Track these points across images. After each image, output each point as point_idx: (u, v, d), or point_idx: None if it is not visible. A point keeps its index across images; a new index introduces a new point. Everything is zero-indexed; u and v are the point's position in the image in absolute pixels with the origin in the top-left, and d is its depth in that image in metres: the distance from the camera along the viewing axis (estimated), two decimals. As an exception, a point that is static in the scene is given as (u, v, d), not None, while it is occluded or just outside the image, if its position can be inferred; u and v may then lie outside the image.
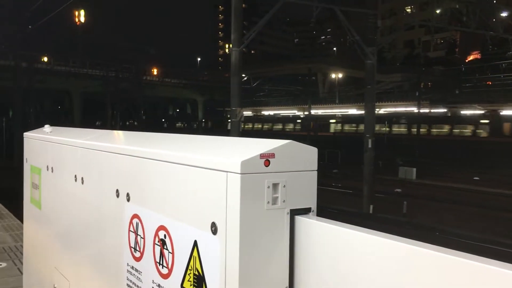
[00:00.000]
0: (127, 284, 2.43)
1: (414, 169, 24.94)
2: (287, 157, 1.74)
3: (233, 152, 1.80)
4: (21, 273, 4.80)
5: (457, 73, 54.42)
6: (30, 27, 26.48)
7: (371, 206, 16.53)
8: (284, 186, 1.73)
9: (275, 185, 1.71)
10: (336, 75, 55.70)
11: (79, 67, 53.24)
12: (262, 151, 1.68)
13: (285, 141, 1.76)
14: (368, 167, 17.24)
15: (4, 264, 6.06)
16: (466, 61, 62.85)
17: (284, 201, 1.73)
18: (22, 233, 5.01)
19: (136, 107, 53.66)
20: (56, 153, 3.66)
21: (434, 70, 57.17)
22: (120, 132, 3.79)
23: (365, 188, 17.14)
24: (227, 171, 1.68)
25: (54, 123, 4.94)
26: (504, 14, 23.53)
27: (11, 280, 5.32)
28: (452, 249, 1.31)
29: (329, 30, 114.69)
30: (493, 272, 1.18)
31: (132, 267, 2.38)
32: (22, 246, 5.06)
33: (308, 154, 1.82)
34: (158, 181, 2.18)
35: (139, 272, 2.31)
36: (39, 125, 4.57)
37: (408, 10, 73.39)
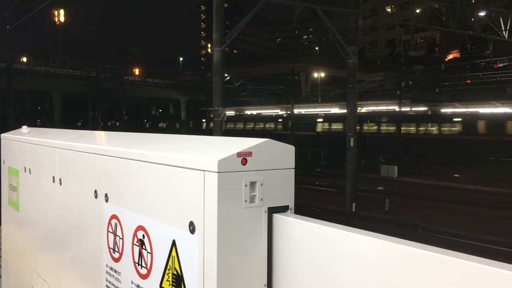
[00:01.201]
0: (106, 285, 2.41)
1: (396, 167, 25.21)
2: (265, 155, 1.75)
3: (210, 151, 1.81)
4: (0, 276, 4.72)
5: (437, 72, 55.14)
6: (8, 27, 26.03)
7: (354, 204, 16.66)
8: (262, 184, 1.74)
9: (252, 184, 1.71)
10: (319, 75, 55.98)
11: (60, 67, 52.53)
12: (239, 150, 1.68)
13: (262, 139, 1.77)
14: (351, 165, 17.38)
15: (-18, 268, 5.95)
16: (446, 60, 63.73)
17: (261, 199, 1.74)
18: (0, 236, 4.93)
19: (118, 107, 53.16)
20: (34, 154, 3.61)
21: (415, 69, 57.82)
22: (98, 133, 3.76)
23: (348, 187, 17.27)
24: (205, 170, 1.68)
25: (34, 124, 4.87)
26: (482, 14, 23.92)
27: (-11, 284, 5.23)
28: (428, 245, 1.34)
29: (311, 29, 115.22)
30: (472, 268, 1.20)
31: (111, 268, 2.36)
32: (0, 249, 4.98)
33: (286, 152, 1.83)
34: (136, 181, 2.17)
35: (118, 273, 2.30)
36: (19, 126, 4.50)
37: (389, 10, 74.13)
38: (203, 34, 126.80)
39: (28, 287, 3.61)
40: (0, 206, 4.43)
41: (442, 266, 1.25)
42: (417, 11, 28.36)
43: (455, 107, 40.64)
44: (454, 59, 62.52)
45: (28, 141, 3.79)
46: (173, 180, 1.87)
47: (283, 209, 1.80)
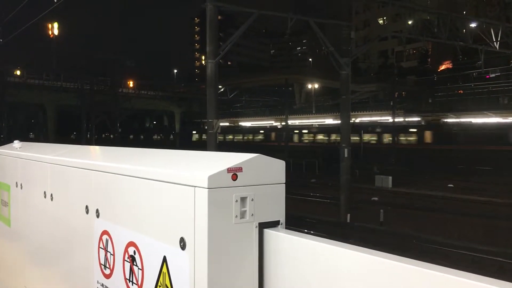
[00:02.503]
0: (97, 302, 2.39)
1: (390, 178, 25.24)
2: (255, 170, 1.75)
3: (200, 167, 1.81)
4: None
5: (430, 83, 55.61)
6: (1, 40, 26.03)
7: (348, 215, 16.64)
8: (252, 199, 1.74)
9: (243, 199, 1.71)
10: (312, 86, 56.23)
11: (53, 80, 52.47)
12: (229, 165, 1.68)
13: (253, 154, 1.77)
14: (345, 176, 17.39)
15: (-27, 284, 5.88)
16: (438, 70, 64.30)
17: (252, 214, 1.74)
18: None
19: (112, 120, 53.03)
20: (25, 169, 3.59)
21: (408, 80, 58.28)
22: (90, 147, 3.75)
23: (342, 197, 17.26)
24: (195, 186, 1.68)
25: (27, 137, 4.85)
26: (473, 25, 24.18)
27: (-20, 301, 5.16)
28: (416, 260, 1.35)
29: (304, 41, 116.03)
30: (463, 284, 1.20)
31: (102, 285, 2.34)
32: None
33: (276, 167, 1.83)
34: (127, 197, 2.16)
35: (109, 290, 2.28)
36: (12, 140, 4.48)
37: (381, 22, 74.92)
38: (197, 46, 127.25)
39: (19, 303, 3.57)
40: None
41: (433, 281, 1.25)
42: (409, 22, 28.65)
43: (448, 117, 40.91)
44: (446, 69, 63.07)
45: (20, 156, 3.77)
46: (164, 196, 1.87)
47: (274, 224, 1.80)
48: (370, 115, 43.89)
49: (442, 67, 65.31)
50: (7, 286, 3.99)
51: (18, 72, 49.09)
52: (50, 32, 40.13)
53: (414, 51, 70.75)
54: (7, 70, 44.68)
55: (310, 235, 1.65)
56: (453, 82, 52.61)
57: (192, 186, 1.68)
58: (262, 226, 1.76)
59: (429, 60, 69.62)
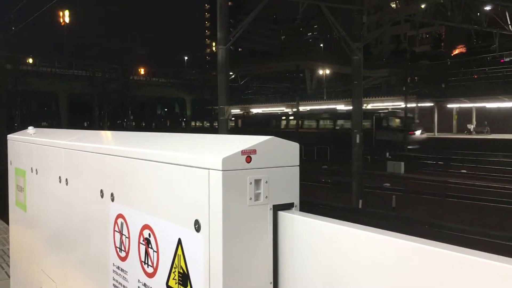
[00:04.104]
0: (113, 284, 2.42)
1: (402, 163, 25.12)
2: (269, 153, 1.75)
3: (214, 150, 1.81)
4: (9, 276, 4.75)
5: (443, 67, 54.86)
6: (13, 28, 26.16)
7: (360, 201, 16.63)
8: (266, 182, 1.73)
9: (257, 181, 1.71)
10: (324, 72, 55.85)
11: (66, 68, 52.79)
12: (243, 148, 1.68)
13: (266, 137, 1.76)
14: (356, 162, 17.34)
15: (-9, 268, 6.00)
16: (452, 55, 63.39)
17: (266, 197, 1.74)
18: (8, 236, 4.96)
19: (124, 107, 53.33)
20: (40, 155, 3.63)
21: (420, 64, 57.59)
22: (104, 132, 3.77)
23: (354, 183, 17.23)
24: (209, 168, 1.68)
25: (40, 126, 4.91)
26: (487, 8, 23.75)
27: (-2, 284, 5.27)
28: (435, 241, 1.33)
29: (315, 27, 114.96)
30: (479, 264, 1.19)
31: (118, 267, 2.37)
32: (9, 249, 5.01)
33: (290, 150, 1.83)
34: (142, 180, 2.17)
35: (125, 272, 2.30)
36: (25, 127, 4.53)
37: (394, 6, 73.88)
38: (207, 32, 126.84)
39: (36, 286, 3.63)
40: (8, 207, 4.46)
41: (448, 262, 1.24)
42: (422, 6, 28.19)
43: (462, 102, 40.43)
44: (460, 54, 62.18)
45: (34, 142, 3.81)
46: (178, 179, 1.88)
47: (288, 207, 1.80)
48: (382, 101, 43.48)
49: (456, 52, 64.38)
50: (25, 270, 4.06)
51: (31, 60, 49.43)
52: (61, 20, 40.21)
53: (427, 35, 69.80)
54: (20, 59, 45.00)
55: (325, 217, 1.64)
56: (467, 67, 51.83)
57: (206, 168, 1.69)
58: (277, 208, 1.76)
59: (442, 44, 68.65)
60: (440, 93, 43.15)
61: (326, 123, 39.94)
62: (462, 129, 42.54)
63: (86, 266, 2.82)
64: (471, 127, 41.61)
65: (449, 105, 41.91)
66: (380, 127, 34.02)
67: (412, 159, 27.77)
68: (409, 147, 32.63)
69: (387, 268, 1.38)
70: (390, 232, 1.42)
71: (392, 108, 40.38)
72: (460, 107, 42.44)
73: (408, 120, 34.82)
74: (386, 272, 1.38)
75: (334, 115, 40.23)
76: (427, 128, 39.66)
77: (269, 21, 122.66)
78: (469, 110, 42.26)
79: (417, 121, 40.13)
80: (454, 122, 44.00)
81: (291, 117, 44.46)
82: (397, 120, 34.84)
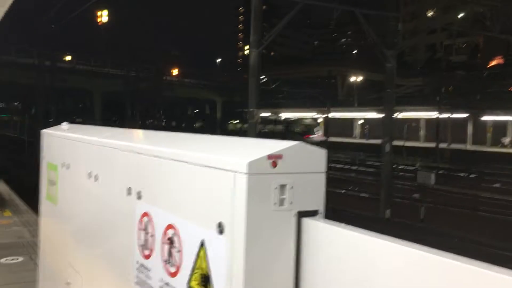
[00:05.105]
0: (136, 282, 2.44)
1: (433, 174, 24.60)
2: (295, 158, 1.74)
3: (241, 153, 1.81)
4: (37, 267, 4.87)
5: (479, 78, 53.52)
6: (52, 26, 26.95)
7: (388, 211, 16.37)
8: (292, 187, 1.72)
9: (282, 187, 1.70)
10: (356, 78, 55.32)
11: (101, 67, 53.98)
12: (269, 152, 1.68)
13: (293, 142, 1.75)
14: (385, 171, 17.08)
15: (21, 259, 6.18)
16: (489, 66, 61.79)
17: (291, 202, 1.73)
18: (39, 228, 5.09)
19: (155, 107, 54.11)
20: (72, 150, 3.71)
21: (456, 74, 56.31)
22: (134, 131, 3.83)
23: (382, 192, 16.98)
24: (235, 171, 1.68)
25: (74, 122, 5.02)
26: (528, 19, 23.05)
27: (27, 275, 5.41)
28: (462, 256, 1.29)
29: (349, 33, 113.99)
30: (497, 279, 1.16)
31: (142, 265, 2.39)
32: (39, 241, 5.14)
33: (317, 156, 1.81)
34: (168, 180, 2.19)
35: (148, 270, 2.33)
36: (60, 123, 4.64)
37: (430, 14, 72.58)
38: (240, 36, 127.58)
39: (63, 279, 3.71)
40: (39, 199, 4.57)
41: (474, 277, 1.20)
42: (460, 15, 27.63)
43: (497, 114, 39.34)
44: (497, 65, 60.54)
45: (67, 137, 3.90)
46: (204, 180, 1.88)
47: (312, 214, 1.78)
48: (415, 110, 42.70)
49: (493, 62, 62.74)
50: (53, 262, 4.16)
51: (68, 58, 50.74)
52: (98, 20, 41.18)
53: (464, 45, 68.31)
54: (58, 56, 46.28)
55: (351, 226, 1.62)
56: (504, 79, 50.40)
57: (232, 171, 1.69)
58: (301, 215, 1.75)
59: (479, 54, 67.02)
60: (475, 105, 42.10)
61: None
62: (497, 142, 41.40)
63: (110, 262, 2.86)
64: (506, 140, 40.43)
65: (483, 118, 40.79)
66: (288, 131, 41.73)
67: None
68: None
69: (417, 283, 1.34)
70: (420, 245, 1.38)
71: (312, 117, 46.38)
72: (494, 120, 41.26)
73: (312, 127, 41.50)
74: (411, 286, 1.35)
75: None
76: (460, 140, 38.83)
77: (302, 26, 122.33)
78: (504, 124, 41.07)
79: (318, 127, 48.29)
80: (489, 135, 42.84)
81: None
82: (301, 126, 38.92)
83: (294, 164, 1.73)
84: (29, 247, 6.65)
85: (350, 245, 1.56)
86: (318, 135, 38.49)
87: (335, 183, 20.55)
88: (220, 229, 1.74)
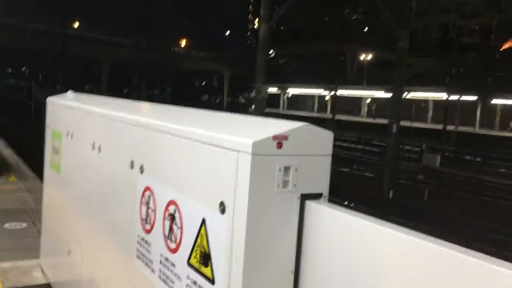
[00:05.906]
0: (137, 256, 2.45)
1: (438, 157, 24.49)
2: (301, 140, 1.70)
3: (246, 132, 1.77)
4: (40, 234, 4.91)
5: (491, 61, 52.72)
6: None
7: (391, 192, 16.37)
8: (296, 170, 1.69)
9: (286, 168, 1.67)
10: (366, 56, 54.68)
11: (110, 35, 53.62)
12: (275, 133, 1.64)
13: (300, 123, 1.71)
14: (390, 152, 17.02)
15: (24, 225, 6.23)
16: (501, 49, 60.76)
17: (295, 185, 1.69)
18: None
19: (163, 77, 53.94)
20: (77, 120, 3.68)
21: (467, 56, 55.50)
22: (139, 103, 3.79)
23: (386, 173, 16.95)
24: (239, 151, 1.64)
25: (83, 89, 4.97)
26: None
27: (30, 241, 5.47)
28: (463, 247, 1.28)
29: (361, 10, 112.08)
30: (493, 271, 1.15)
31: (142, 239, 2.39)
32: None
33: (323, 138, 1.77)
34: (172, 156, 2.16)
35: (149, 244, 2.32)
36: (67, 90, 4.59)
37: (445, -7, 71.08)
38: (251, 8, 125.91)
39: (64, 247, 3.74)
40: (44, 167, 4.58)
41: (471, 268, 1.19)
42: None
43: (507, 98, 38.90)
44: (510, 48, 59.51)
45: (72, 107, 3.87)
46: (207, 158, 1.85)
47: (316, 197, 1.75)
48: (424, 91, 42.31)
49: (507, 45, 61.67)
50: (54, 230, 4.18)
51: (77, 25, 50.39)
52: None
53: (478, 26, 67.05)
54: (67, 23, 45.96)
55: (354, 212, 1.59)
56: (517, 62, 49.59)
57: (236, 150, 1.65)
58: (304, 197, 1.72)
59: (492, 36, 65.86)
60: (485, 88, 41.62)
61: None
62: (505, 127, 41.08)
63: (111, 234, 2.87)
64: None
65: (493, 101, 40.38)
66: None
67: None
68: None
69: (412, 268, 1.33)
70: (419, 233, 1.37)
71: None
72: (504, 104, 40.86)
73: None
74: (410, 272, 1.34)
75: None
76: (469, 123, 38.56)
77: (314, 1, 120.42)
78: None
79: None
80: (497, 119, 42.51)
81: None
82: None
83: (300, 145, 1.69)
84: (32, 214, 6.70)
85: (353, 231, 1.54)
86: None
87: (339, 161, 20.55)
88: (222, 208, 1.71)
